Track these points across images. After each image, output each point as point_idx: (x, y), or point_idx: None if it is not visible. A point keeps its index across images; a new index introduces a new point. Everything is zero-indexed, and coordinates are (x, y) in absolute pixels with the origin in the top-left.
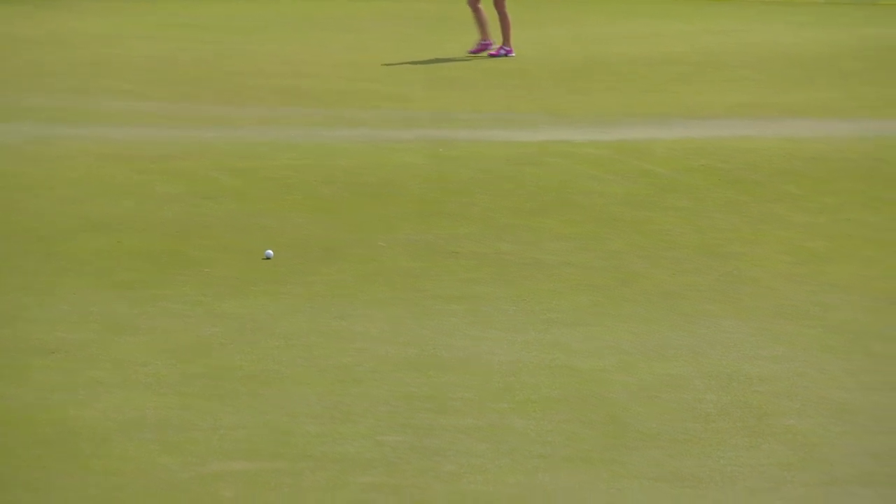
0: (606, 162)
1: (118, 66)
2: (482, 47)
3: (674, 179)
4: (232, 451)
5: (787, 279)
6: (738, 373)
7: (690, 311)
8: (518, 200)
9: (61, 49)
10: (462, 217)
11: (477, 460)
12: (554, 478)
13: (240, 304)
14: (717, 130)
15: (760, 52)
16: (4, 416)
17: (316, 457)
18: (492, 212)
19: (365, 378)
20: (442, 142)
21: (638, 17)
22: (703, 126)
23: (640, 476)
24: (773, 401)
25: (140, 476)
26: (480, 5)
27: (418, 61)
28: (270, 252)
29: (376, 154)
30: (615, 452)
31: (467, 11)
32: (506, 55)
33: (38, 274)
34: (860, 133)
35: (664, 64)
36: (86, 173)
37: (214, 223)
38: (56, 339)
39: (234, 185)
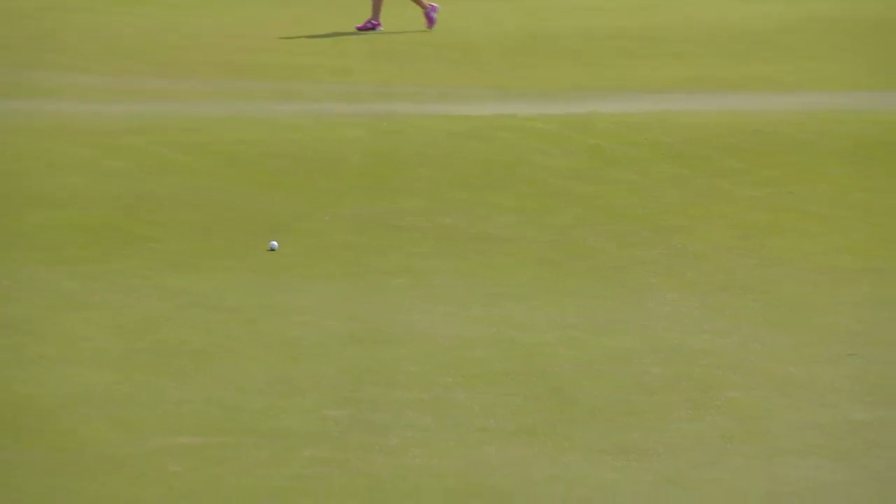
0: (552, 136)
1: (59, 40)
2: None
3: (619, 153)
4: (178, 425)
5: (730, 253)
6: (683, 346)
7: (636, 285)
8: (463, 175)
9: (0, 24)
10: (407, 191)
11: (422, 434)
12: (499, 451)
13: (186, 279)
14: (661, 104)
15: (706, 27)
16: None
17: (261, 431)
18: (437, 186)
19: (310, 352)
20: (386, 116)
21: None
22: (647, 100)
23: (584, 449)
24: (716, 374)
25: (86, 452)
26: None
27: (361, 35)
28: (275, 243)
29: (320, 128)
30: (560, 426)
31: None
32: (372, 28)
33: None
34: (803, 107)
35: (609, 38)
36: (29, 148)
37: (161, 198)
38: (1, 315)
39: (179, 160)
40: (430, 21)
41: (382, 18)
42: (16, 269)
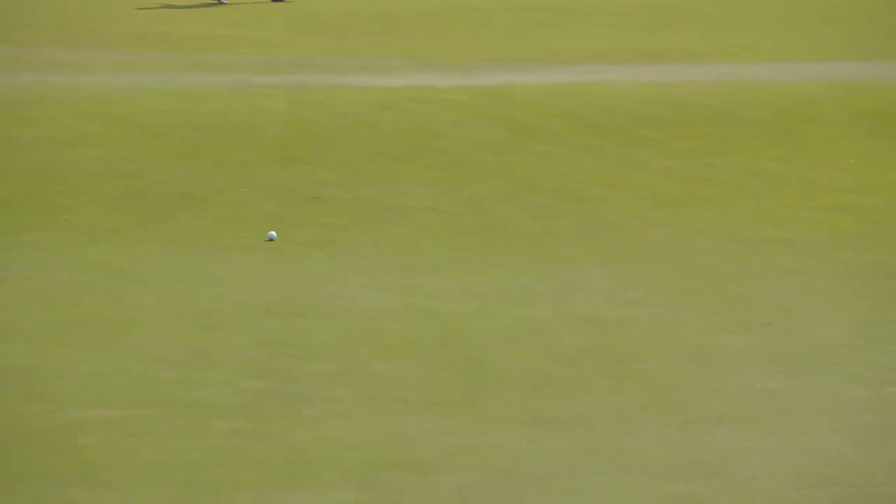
0: (467, 107)
1: None
2: None
3: (534, 124)
4: (91, 398)
5: (646, 223)
6: (598, 316)
7: (551, 256)
8: (380, 146)
9: None
10: (323, 163)
11: (338, 405)
12: (415, 422)
13: (100, 250)
14: (576, 76)
15: None
16: None
17: (176, 403)
18: (353, 157)
19: (225, 324)
20: (303, 87)
21: None
22: (562, 71)
23: (501, 419)
24: (632, 344)
25: None
26: None
27: (279, 6)
28: (273, 234)
29: (237, 99)
30: (476, 396)
31: None
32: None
33: None
34: (717, 77)
35: (528, 10)
36: None
37: (73, 169)
38: None
39: (93, 131)
40: None
41: None
42: None
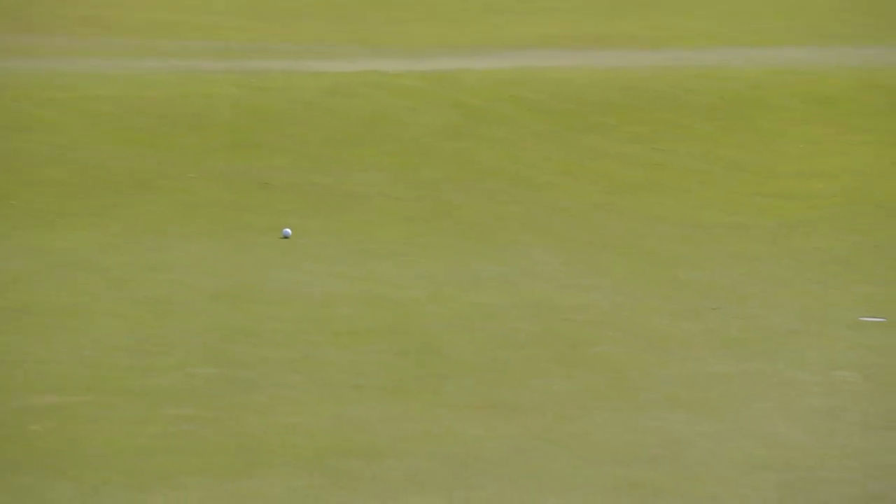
0: (420, 92)
1: None
2: None
3: (487, 110)
4: (42, 385)
5: (599, 209)
6: (551, 302)
7: (504, 242)
8: (332, 131)
9: None
10: (276, 149)
11: (291, 392)
12: (369, 408)
13: (51, 237)
14: (529, 61)
15: None
16: None
17: (128, 389)
18: (305, 143)
19: (178, 310)
20: (254, 73)
21: None
22: (515, 56)
23: (453, 405)
24: (584, 329)
25: None
26: None
27: None
28: (288, 231)
29: (188, 85)
30: (429, 382)
31: None
32: None
33: None
34: (669, 63)
35: None
36: None
37: (22, 155)
38: None
39: (41, 117)
40: None
41: None
42: None
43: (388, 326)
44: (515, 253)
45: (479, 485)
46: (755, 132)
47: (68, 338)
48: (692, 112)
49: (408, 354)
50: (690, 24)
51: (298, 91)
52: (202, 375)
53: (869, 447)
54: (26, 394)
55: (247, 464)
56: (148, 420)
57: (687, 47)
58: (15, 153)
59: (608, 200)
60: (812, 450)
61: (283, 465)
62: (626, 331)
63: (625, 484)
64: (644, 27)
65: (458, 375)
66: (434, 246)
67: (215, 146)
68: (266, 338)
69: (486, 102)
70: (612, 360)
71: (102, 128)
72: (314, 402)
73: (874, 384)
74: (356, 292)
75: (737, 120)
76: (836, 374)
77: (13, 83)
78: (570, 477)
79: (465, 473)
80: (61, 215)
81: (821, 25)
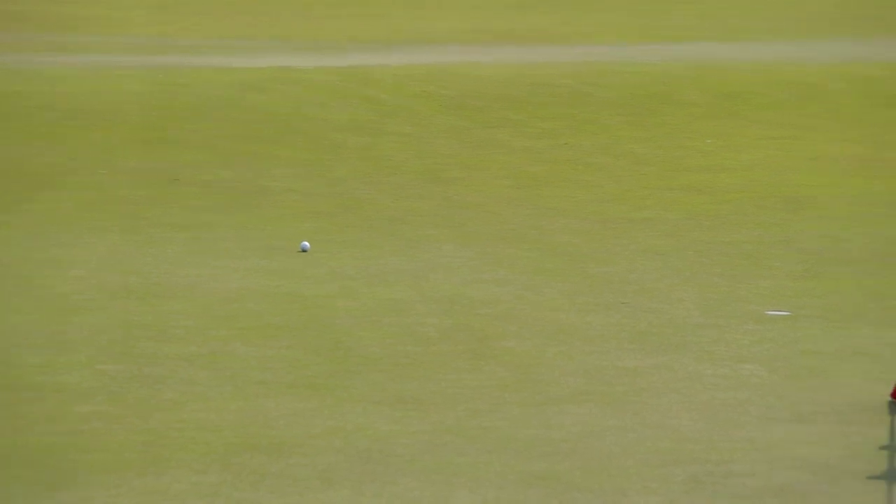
0: (330, 88)
1: None
2: None
3: (396, 105)
4: None
5: (507, 203)
6: (460, 296)
7: (413, 236)
8: (242, 127)
9: None
10: (185, 144)
11: (198, 388)
12: (277, 403)
13: None
14: (440, 57)
15: None
16: None
17: (35, 387)
18: (215, 139)
19: (85, 307)
20: (164, 68)
21: None
22: (426, 52)
23: (362, 399)
24: (493, 323)
25: None
26: None
27: None
28: (307, 244)
29: (95, 80)
30: (338, 377)
31: None
32: None
33: None
34: (577, 59)
35: None
36: None
37: None
38: None
39: None
40: None
41: None
42: None
43: (297, 322)
44: (424, 248)
45: (389, 480)
46: (662, 127)
47: None
48: (600, 107)
49: (316, 350)
50: (600, 20)
51: (208, 87)
52: (110, 372)
53: (774, 440)
54: None
55: (154, 460)
56: (57, 417)
57: (596, 43)
58: None
59: (516, 195)
60: (719, 443)
61: (191, 461)
62: (535, 325)
63: (533, 477)
64: (554, 23)
65: (366, 371)
66: (343, 241)
67: (125, 142)
68: (174, 334)
69: (395, 98)
70: (521, 354)
71: (11, 123)
72: (222, 398)
73: (779, 377)
74: (265, 288)
75: (644, 115)
76: (743, 367)
77: None
78: (479, 471)
79: (375, 469)
80: None
81: (729, 21)
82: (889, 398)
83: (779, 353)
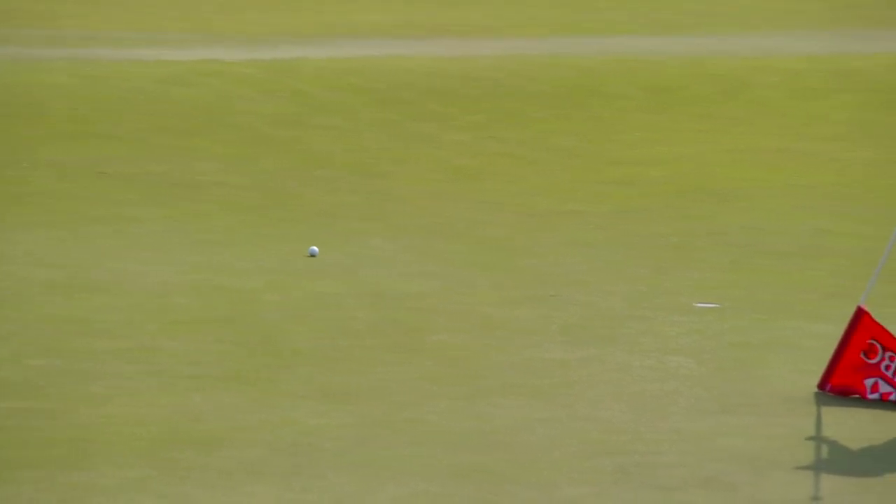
0: (257, 81)
1: None
2: None
3: (325, 99)
4: None
5: (436, 197)
6: (389, 290)
7: (341, 230)
8: (168, 121)
9: None
10: (112, 138)
11: (126, 382)
12: (206, 398)
13: None
14: (368, 49)
15: None
16: None
17: None
18: (142, 132)
19: (10, 301)
20: (89, 61)
21: None
22: (354, 45)
23: (290, 393)
24: (422, 317)
25: None
26: None
27: None
28: (315, 249)
29: (18, 73)
30: (267, 371)
31: None
32: None
33: None
34: (506, 52)
35: None
36: None
37: None
38: None
39: None
40: None
41: None
42: None
43: (225, 316)
44: (353, 241)
45: (317, 473)
46: (591, 120)
47: None
48: (529, 100)
49: (245, 344)
50: (530, 14)
51: (135, 80)
52: (37, 367)
53: (702, 431)
54: None
55: (82, 455)
56: None
57: (525, 36)
58: None
59: (445, 188)
60: (647, 434)
61: (118, 455)
62: (464, 318)
63: (463, 470)
64: (484, 16)
65: (295, 364)
66: (271, 235)
67: (50, 135)
68: (101, 328)
69: (323, 91)
70: (450, 347)
71: None
72: (149, 392)
73: (707, 369)
74: (193, 282)
75: (573, 108)
76: (671, 359)
77: None
78: (408, 464)
79: (303, 462)
80: None
81: (658, 15)
82: (815, 389)
83: (706, 344)
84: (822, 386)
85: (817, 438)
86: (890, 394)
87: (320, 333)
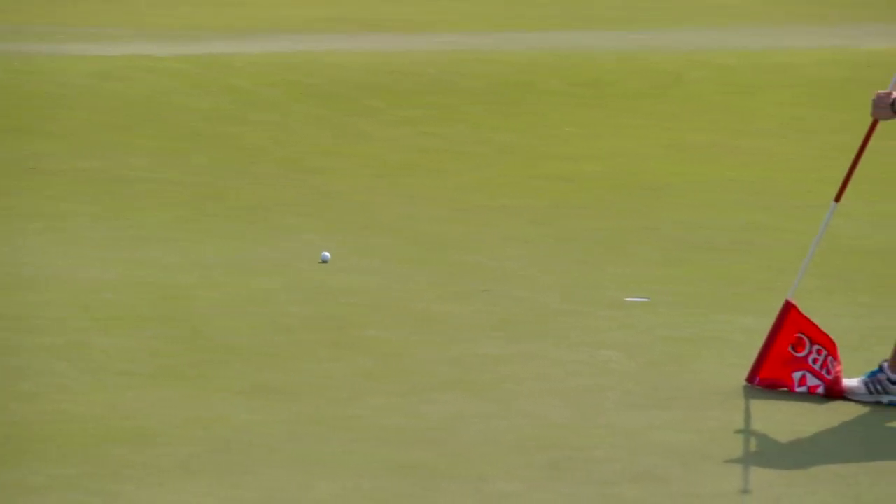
0: (190, 76)
1: None
2: None
3: (258, 94)
4: None
5: (370, 192)
6: (323, 285)
7: (275, 226)
8: (101, 116)
9: None
10: (42, 133)
11: (58, 379)
12: (139, 395)
13: None
14: (300, 44)
15: None
16: None
17: None
18: (73, 128)
19: None
20: (19, 56)
21: None
22: (288, 40)
23: (224, 390)
24: (356, 312)
25: None
26: None
27: None
28: (327, 254)
29: None
30: (199, 367)
31: None
32: None
33: None
34: (439, 47)
35: None
36: None
37: None
38: None
39: None
40: None
41: None
42: None
43: (158, 312)
44: (287, 236)
45: (250, 470)
46: (526, 116)
47: None
48: (462, 96)
49: (178, 340)
50: (461, 8)
51: (66, 75)
52: None
53: (634, 425)
54: None
55: (11, 453)
56: None
57: (458, 31)
58: None
59: (379, 184)
60: (580, 429)
61: (50, 453)
62: (398, 313)
63: (397, 466)
64: (416, 11)
65: (228, 360)
66: (204, 231)
67: None
68: (32, 325)
69: (257, 87)
70: (384, 342)
71: None
72: (82, 389)
73: (638, 363)
74: (126, 278)
75: (507, 104)
76: (602, 353)
77: None
78: (342, 460)
79: (236, 458)
80: None
81: (591, 10)
82: (744, 383)
83: (637, 339)
84: (750, 379)
85: (747, 431)
86: (817, 387)
87: (254, 329)
